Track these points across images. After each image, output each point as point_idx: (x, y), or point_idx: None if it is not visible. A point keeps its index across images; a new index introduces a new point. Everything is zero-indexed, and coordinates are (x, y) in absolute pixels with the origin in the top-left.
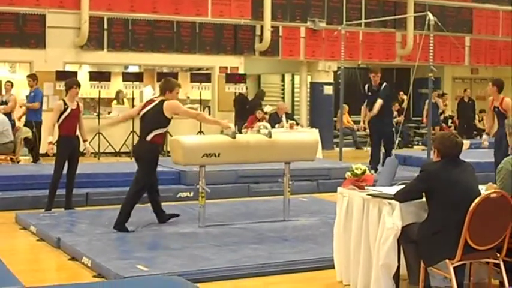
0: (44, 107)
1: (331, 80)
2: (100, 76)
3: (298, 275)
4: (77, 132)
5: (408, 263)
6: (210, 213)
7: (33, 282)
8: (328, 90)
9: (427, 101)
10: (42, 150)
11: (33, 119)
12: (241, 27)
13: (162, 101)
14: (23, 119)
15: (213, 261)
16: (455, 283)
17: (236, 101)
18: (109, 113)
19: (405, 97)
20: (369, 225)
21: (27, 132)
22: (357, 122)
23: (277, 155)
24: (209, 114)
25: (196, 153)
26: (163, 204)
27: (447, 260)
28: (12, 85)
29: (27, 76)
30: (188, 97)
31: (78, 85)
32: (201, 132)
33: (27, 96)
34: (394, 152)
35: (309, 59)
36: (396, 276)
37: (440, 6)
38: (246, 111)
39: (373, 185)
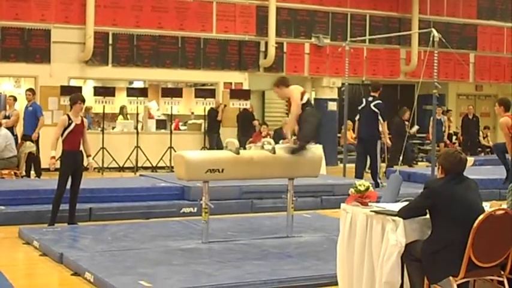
0: (49, 121)
1: (336, 96)
2: (105, 91)
3: None
4: (81, 147)
5: (411, 281)
6: (213, 229)
7: None
8: (333, 106)
9: (431, 118)
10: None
11: (31, 133)
12: (246, 43)
13: None
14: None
15: (216, 278)
16: None
17: (240, 116)
18: (113, 128)
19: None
20: (372, 241)
21: (31, 147)
22: None
23: (281, 171)
24: None
25: (199, 168)
26: (165, 219)
27: (451, 278)
28: (15, 99)
29: (27, 90)
30: (192, 112)
31: (83, 100)
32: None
33: (24, 109)
34: (398, 168)
35: (313, 75)
36: None
37: (445, 22)
38: (249, 126)
39: (377, 202)
